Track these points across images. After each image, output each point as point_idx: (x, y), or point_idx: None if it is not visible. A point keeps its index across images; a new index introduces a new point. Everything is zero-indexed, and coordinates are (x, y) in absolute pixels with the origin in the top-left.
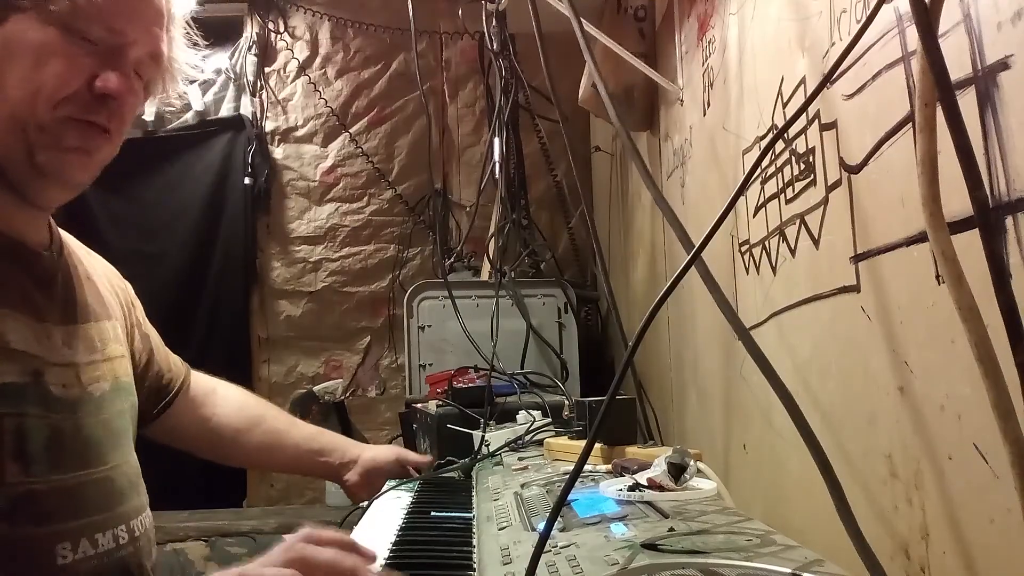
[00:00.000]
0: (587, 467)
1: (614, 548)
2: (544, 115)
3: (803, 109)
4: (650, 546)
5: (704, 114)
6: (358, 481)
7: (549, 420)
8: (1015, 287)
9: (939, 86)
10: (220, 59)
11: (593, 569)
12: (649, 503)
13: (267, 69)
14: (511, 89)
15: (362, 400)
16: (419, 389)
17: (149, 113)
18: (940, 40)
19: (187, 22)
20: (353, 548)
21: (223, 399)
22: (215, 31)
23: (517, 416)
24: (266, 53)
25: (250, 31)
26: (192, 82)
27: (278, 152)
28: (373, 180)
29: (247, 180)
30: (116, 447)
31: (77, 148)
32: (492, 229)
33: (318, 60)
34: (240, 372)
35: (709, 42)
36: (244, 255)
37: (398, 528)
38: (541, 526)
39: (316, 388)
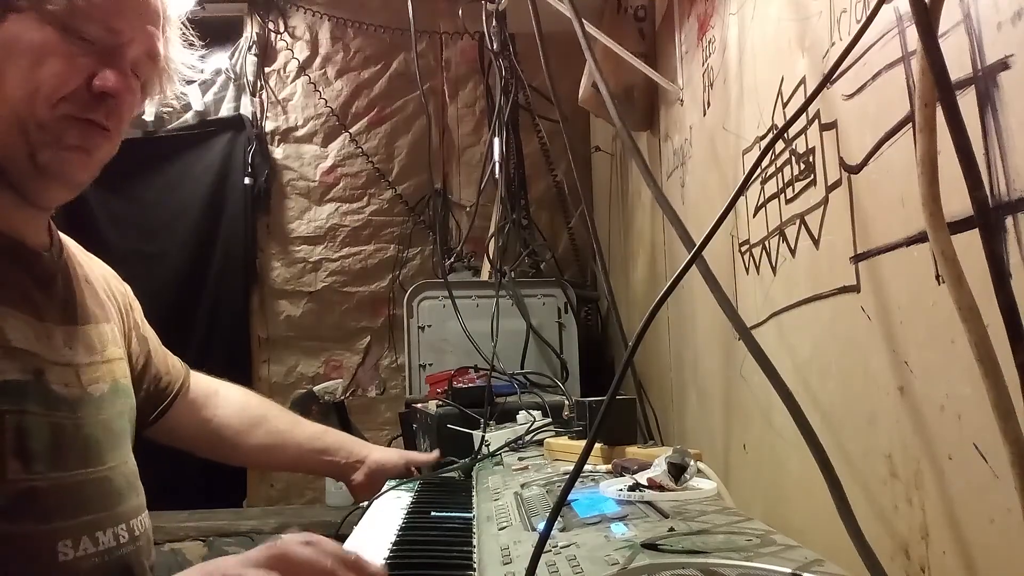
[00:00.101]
0: (587, 467)
1: (614, 548)
2: (544, 115)
3: (803, 109)
4: (650, 546)
5: (704, 114)
6: (363, 482)
7: (549, 420)
8: (1015, 287)
9: (939, 86)
10: (220, 59)
11: (593, 569)
12: (649, 503)
13: (267, 69)
14: (511, 89)
15: (362, 400)
16: (419, 389)
17: (149, 113)
18: (940, 40)
19: (183, 22)
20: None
21: (225, 400)
22: (215, 31)
23: (517, 416)
24: (266, 53)
25: (250, 31)
26: (190, 82)
27: (278, 152)
28: (373, 180)
29: (247, 180)
30: (115, 448)
31: (77, 147)
32: (492, 229)
33: (318, 60)
34: (240, 372)
35: (709, 42)
36: (244, 255)
37: (398, 528)
38: (541, 526)
39: (316, 388)
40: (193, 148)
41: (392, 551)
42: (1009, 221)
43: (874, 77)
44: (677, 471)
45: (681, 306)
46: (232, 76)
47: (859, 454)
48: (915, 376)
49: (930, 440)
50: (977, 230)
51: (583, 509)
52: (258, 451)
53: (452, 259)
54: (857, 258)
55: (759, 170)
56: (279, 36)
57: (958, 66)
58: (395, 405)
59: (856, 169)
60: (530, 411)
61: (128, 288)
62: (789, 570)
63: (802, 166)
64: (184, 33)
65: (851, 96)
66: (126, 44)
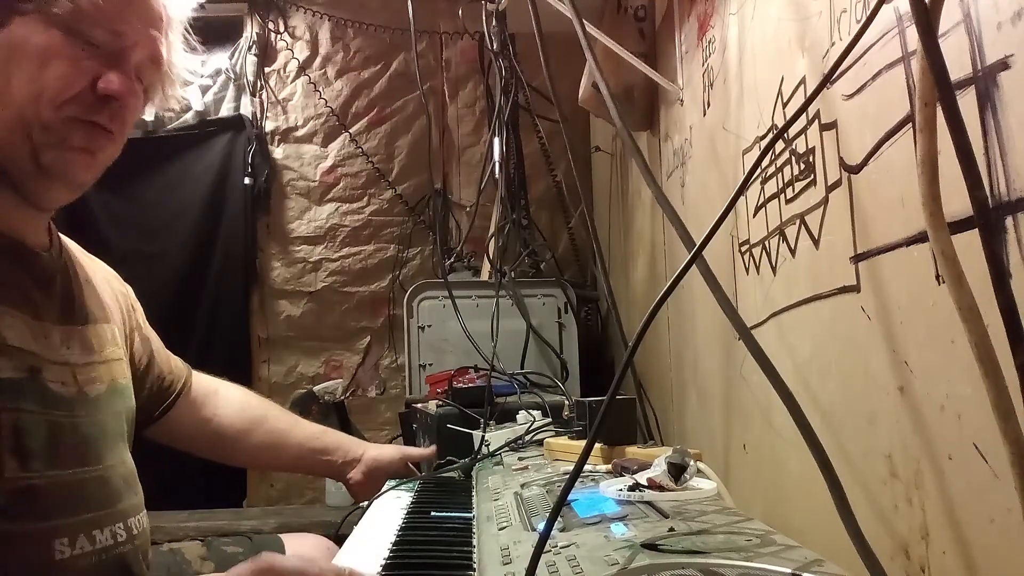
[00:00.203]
0: (587, 467)
1: (614, 548)
2: (544, 115)
3: (803, 109)
4: (650, 546)
5: (704, 114)
6: (361, 480)
7: (549, 420)
8: (1015, 287)
9: (939, 86)
10: (220, 59)
11: (593, 569)
12: (649, 503)
13: (267, 69)
14: (511, 89)
15: (362, 400)
16: (419, 389)
17: (149, 114)
18: (940, 40)
19: (186, 27)
20: None
21: (225, 400)
22: (215, 31)
23: (517, 416)
24: (266, 53)
25: (250, 31)
26: (189, 84)
27: (278, 152)
28: (373, 180)
29: (247, 180)
30: (112, 447)
31: (81, 148)
32: (492, 229)
33: (318, 60)
34: (240, 372)
35: (709, 42)
36: (244, 255)
37: (398, 528)
38: (541, 526)
39: (316, 388)
40: (193, 148)
41: (392, 551)
42: (1009, 221)
43: (874, 77)
44: (677, 471)
45: (681, 306)
46: (232, 76)
47: (859, 454)
48: (915, 376)
49: (930, 440)
50: (977, 230)
51: (583, 509)
52: (257, 451)
53: (452, 259)
54: (857, 258)
55: (759, 170)
56: (279, 36)
57: (958, 66)
58: (395, 405)
59: (856, 169)
60: (530, 411)
61: (130, 289)
62: (789, 570)
63: (802, 166)
64: (187, 38)
65: (851, 96)
66: (130, 48)
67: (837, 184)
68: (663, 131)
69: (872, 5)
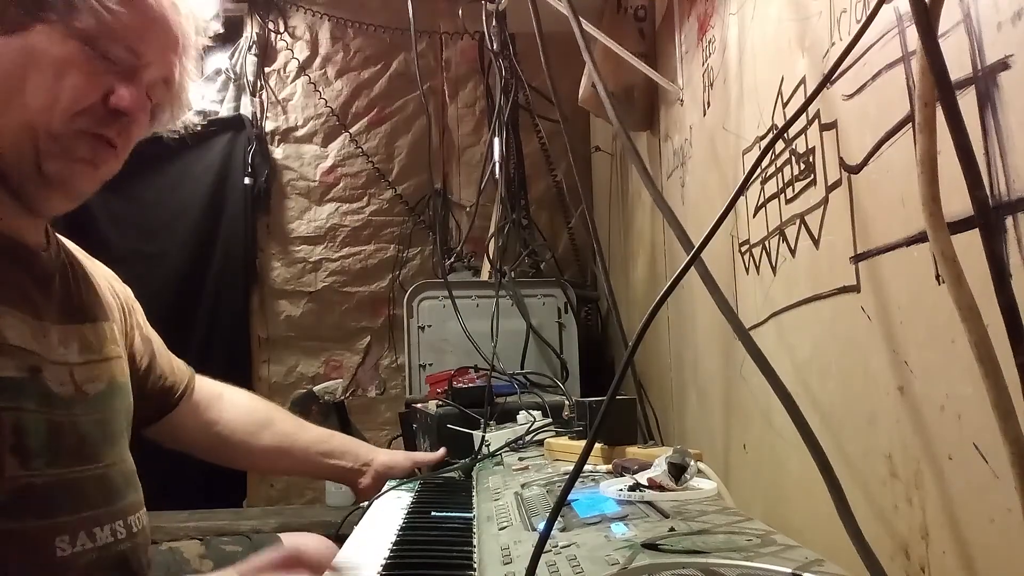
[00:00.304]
0: (587, 467)
1: (614, 548)
2: (544, 115)
3: (803, 109)
4: (650, 546)
5: (704, 114)
6: (371, 485)
7: (549, 420)
8: (1015, 287)
9: (939, 86)
10: (220, 59)
11: (593, 569)
12: (649, 503)
13: (267, 69)
14: (511, 89)
15: (362, 400)
16: (419, 389)
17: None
18: (940, 40)
19: (200, 54)
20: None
21: (230, 404)
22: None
23: (517, 416)
24: (266, 53)
25: (250, 31)
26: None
27: (278, 152)
28: (373, 180)
29: (247, 180)
30: (111, 446)
31: (85, 160)
32: (492, 229)
33: (318, 60)
34: (240, 372)
35: (709, 42)
36: (244, 255)
37: (398, 528)
38: (541, 526)
39: (316, 388)
40: (193, 148)
41: (392, 551)
42: (1009, 221)
43: (874, 77)
44: (677, 471)
45: (681, 306)
46: (232, 76)
47: (859, 454)
48: (915, 376)
49: (930, 440)
50: (977, 230)
51: (583, 509)
52: (263, 454)
53: (452, 259)
54: (857, 258)
55: (759, 170)
56: (279, 36)
57: (958, 66)
58: (395, 405)
59: (856, 169)
60: (530, 411)
61: (129, 291)
62: (789, 570)
63: (802, 166)
64: (199, 65)
65: (851, 96)
66: (144, 67)
67: (837, 184)
68: (663, 131)
69: (872, 5)
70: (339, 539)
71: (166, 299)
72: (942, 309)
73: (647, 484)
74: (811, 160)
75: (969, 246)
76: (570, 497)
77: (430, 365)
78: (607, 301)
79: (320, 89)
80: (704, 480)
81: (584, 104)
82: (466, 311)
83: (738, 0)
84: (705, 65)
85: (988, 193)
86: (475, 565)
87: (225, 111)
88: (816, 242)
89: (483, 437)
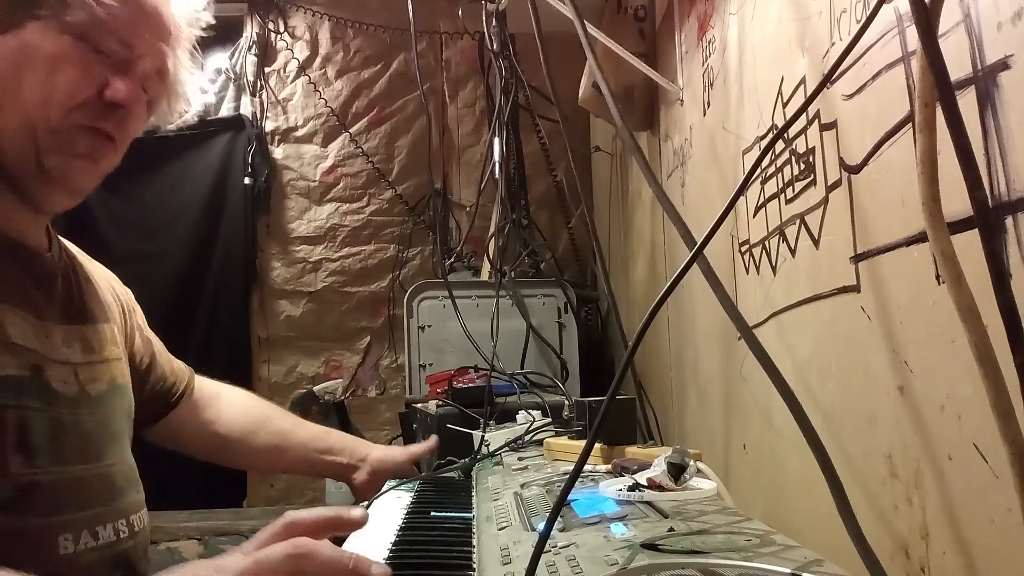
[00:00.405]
0: (587, 467)
1: (614, 548)
2: (544, 115)
3: (803, 109)
4: (650, 546)
5: (704, 114)
6: (366, 480)
7: (549, 420)
8: (1015, 287)
9: (939, 86)
10: (220, 59)
11: (593, 569)
12: (649, 503)
13: (267, 69)
14: (511, 89)
15: (362, 400)
16: (419, 389)
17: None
18: (940, 40)
19: (193, 45)
20: (338, 520)
21: (227, 403)
22: (215, 31)
23: (517, 416)
24: (266, 53)
25: (250, 31)
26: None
27: (278, 152)
28: (373, 180)
29: (247, 180)
30: (113, 445)
31: (84, 155)
32: (492, 229)
33: (318, 60)
34: (240, 372)
35: (709, 42)
36: (244, 255)
37: (398, 528)
38: (541, 526)
39: (316, 388)
40: (193, 148)
41: (392, 551)
42: (1009, 221)
43: (874, 77)
44: (677, 471)
45: (681, 306)
46: (232, 76)
47: (859, 454)
48: (915, 376)
49: (930, 440)
50: (977, 230)
51: (583, 509)
52: (261, 453)
53: (452, 259)
54: (857, 258)
55: (759, 170)
56: (279, 36)
57: (958, 66)
58: (395, 405)
59: (856, 169)
60: (530, 411)
61: (129, 292)
62: (789, 570)
63: (802, 166)
64: (193, 56)
65: (851, 96)
66: (138, 59)
67: (837, 184)
68: (663, 131)
69: (872, 5)
70: (338, 540)
71: (166, 299)
72: (942, 309)
73: (647, 484)
74: (811, 160)
75: (969, 246)
76: (570, 497)
77: (430, 365)
78: (607, 301)
79: (320, 89)
80: (704, 480)
81: (584, 104)
82: (466, 311)
83: (738, 0)
84: (705, 65)
85: (988, 193)
86: (474, 565)
87: (225, 111)
88: (816, 242)
89: (483, 437)
